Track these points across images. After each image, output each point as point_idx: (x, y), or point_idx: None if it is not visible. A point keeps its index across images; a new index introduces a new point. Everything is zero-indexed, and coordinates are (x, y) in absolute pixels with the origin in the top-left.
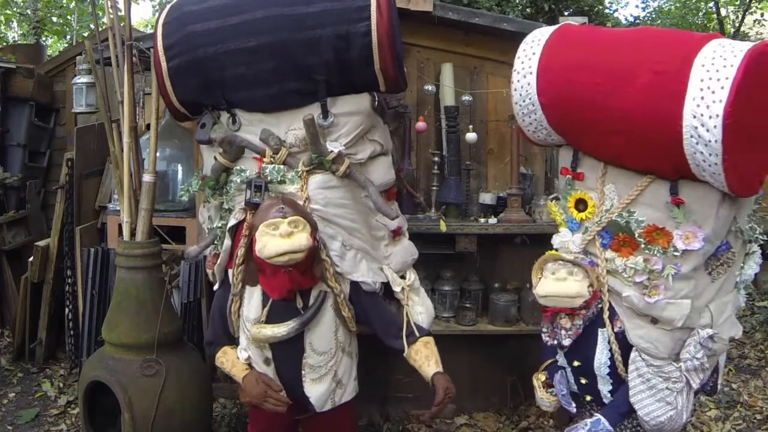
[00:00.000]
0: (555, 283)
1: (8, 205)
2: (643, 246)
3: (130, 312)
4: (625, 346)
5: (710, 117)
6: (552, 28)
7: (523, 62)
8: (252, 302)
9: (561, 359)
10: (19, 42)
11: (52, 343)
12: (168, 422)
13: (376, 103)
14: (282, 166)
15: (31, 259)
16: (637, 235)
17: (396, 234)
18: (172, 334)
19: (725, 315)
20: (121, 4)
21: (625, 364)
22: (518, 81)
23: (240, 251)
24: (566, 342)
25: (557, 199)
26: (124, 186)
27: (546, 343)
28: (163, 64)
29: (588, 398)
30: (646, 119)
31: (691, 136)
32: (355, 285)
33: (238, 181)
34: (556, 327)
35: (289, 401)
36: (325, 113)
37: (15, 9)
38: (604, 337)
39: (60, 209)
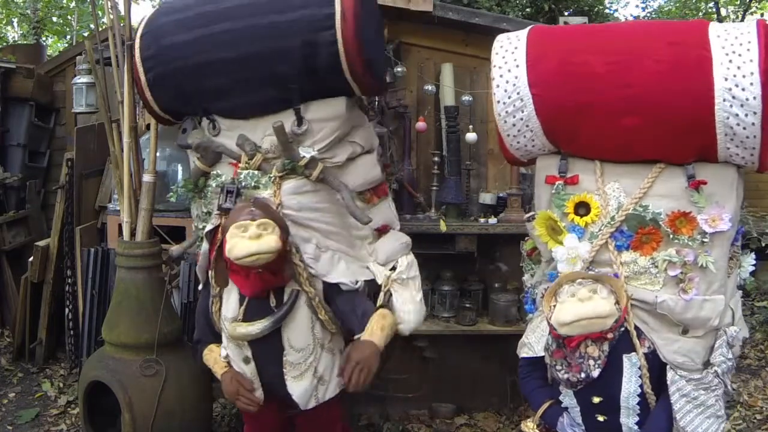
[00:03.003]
0: (581, 305)
1: (8, 205)
2: (671, 236)
3: (130, 312)
4: (654, 368)
5: (744, 76)
6: (524, 29)
7: (504, 57)
8: (230, 301)
9: (568, 399)
10: (19, 42)
11: (52, 343)
12: (168, 422)
13: (357, 103)
14: (256, 172)
15: (31, 259)
16: (662, 224)
17: (381, 232)
18: (172, 334)
19: (739, 313)
20: (121, 4)
21: (653, 387)
22: (501, 76)
23: (215, 254)
24: (596, 373)
25: (534, 218)
26: (124, 186)
27: (567, 380)
28: (142, 76)
29: None
30: (671, 90)
31: (724, 100)
32: (330, 285)
33: (214, 185)
34: (581, 358)
35: (260, 401)
36: (300, 120)
37: (15, 9)
38: (632, 362)
39: (60, 209)
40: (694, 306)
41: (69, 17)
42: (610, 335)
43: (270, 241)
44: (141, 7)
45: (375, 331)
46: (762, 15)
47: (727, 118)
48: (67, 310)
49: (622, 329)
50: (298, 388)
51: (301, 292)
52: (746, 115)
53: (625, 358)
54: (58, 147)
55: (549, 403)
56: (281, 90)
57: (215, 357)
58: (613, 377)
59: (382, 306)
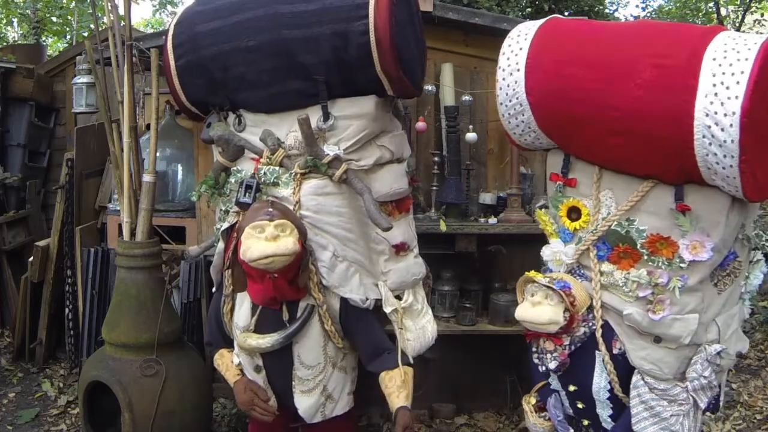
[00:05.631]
0: (529, 309)
1: (8, 205)
2: (646, 257)
3: (130, 312)
4: (625, 368)
5: (725, 115)
6: (540, 22)
7: (509, 59)
8: (242, 310)
9: (554, 383)
10: (19, 42)
11: (52, 343)
12: (168, 422)
13: (392, 106)
14: (278, 168)
15: (31, 259)
16: (639, 245)
17: (400, 250)
18: (172, 334)
19: (732, 328)
20: (121, 5)
21: (625, 387)
22: (504, 79)
23: (229, 254)
24: (552, 365)
25: (546, 207)
26: (124, 186)
27: (537, 366)
28: (172, 63)
29: (585, 423)
30: (650, 118)
31: (704, 137)
32: (344, 299)
33: (233, 181)
34: (541, 351)
35: (276, 411)
36: (326, 115)
37: (15, 9)
38: (602, 360)
39: (60, 209)
40: (663, 324)
41: (69, 17)
42: (562, 337)
43: (287, 243)
44: (141, 7)
45: (409, 396)
46: (762, 15)
47: (707, 155)
48: (67, 310)
49: (593, 327)
50: (305, 402)
51: (315, 309)
52: (724, 156)
53: (597, 354)
54: (58, 147)
55: (544, 383)
56: (307, 82)
57: (227, 363)
58: (586, 370)
59: (408, 363)
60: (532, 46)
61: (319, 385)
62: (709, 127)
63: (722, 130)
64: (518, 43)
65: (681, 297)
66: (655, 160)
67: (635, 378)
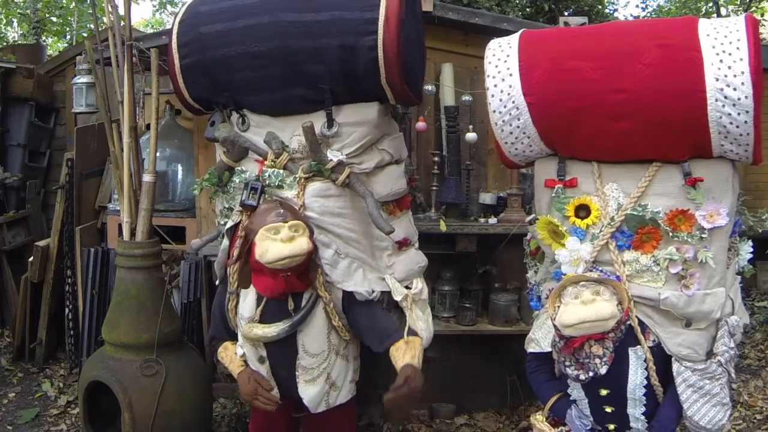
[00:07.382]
0: (583, 308)
1: (8, 205)
2: (670, 234)
3: (130, 312)
4: (661, 359)
5: (735, 75)
6: (515, 35)
7: (497, 66)
8: (246, 301)
9: (575, 392)
10: (19, 42)
11: (52, 343)
12: (168, 422)
13: (390, 111)
14: (282, 171)
15: (31, 259)
16: (661, 223)
17: (402, 245)
18: (172, 334)
19: (738, 301)
20: (120, 5)
21: (661, 379)
22: (496, 86)
23: (235, 252)
24: (603, 370)
25: (536, 221)
26: (124, 186)
27: (577, 377)
28: (177, 62)
29: (612, 427)
30: (660, 93)
31: (716, 100)
32: (348, 294)
33: (237, 181)
34: (587, 357)
35: (279, 401)
36: (330, 122)
37: (15, 9)
38: (638, 355)
39: (60, 209)
40: (696, 300)
41: (69, 17)
42: (611, 335)
43: (302, 243)
44: (141, 7)
45: (415, 357)
46: (762, 15)
47: (720, 117)
48: (67, 310)
49: (628, 323)
50: (310, 391)
51: (319, 298)
52: (739, 114)
53: (631, 351)
54: (58, 147)
55: (557, 396)
56: (312, 90)
57: (231, 355)
58: (619, 370)
59: (414, 333)
60: (522, 50)
61: (323, 373)
62: (722, 89)
63: (734, 89)
64: (503, 51)
65: (707, 268)
66: (663, 138)
67: (676, 366)
